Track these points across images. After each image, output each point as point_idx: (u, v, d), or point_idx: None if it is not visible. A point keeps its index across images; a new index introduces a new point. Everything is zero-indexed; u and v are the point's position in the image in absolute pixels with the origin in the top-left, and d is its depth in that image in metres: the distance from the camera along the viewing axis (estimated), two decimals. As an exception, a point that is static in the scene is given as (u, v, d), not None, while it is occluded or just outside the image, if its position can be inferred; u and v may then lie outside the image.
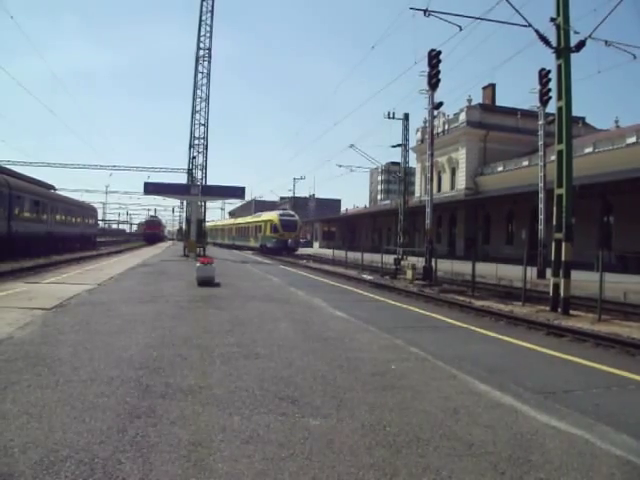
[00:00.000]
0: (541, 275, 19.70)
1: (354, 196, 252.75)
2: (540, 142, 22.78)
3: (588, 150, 32.84)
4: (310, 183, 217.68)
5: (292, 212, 52.44)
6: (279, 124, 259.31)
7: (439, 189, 48.12)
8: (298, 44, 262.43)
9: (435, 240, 29.01)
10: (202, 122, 31.67)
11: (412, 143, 46.89)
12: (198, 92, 31.47)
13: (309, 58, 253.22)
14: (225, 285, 14.55)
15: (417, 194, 53.92)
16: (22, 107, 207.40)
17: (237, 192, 34.60)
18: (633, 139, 30.09)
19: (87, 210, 45.97)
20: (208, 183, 32.41)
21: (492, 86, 51.76)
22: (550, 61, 13.43)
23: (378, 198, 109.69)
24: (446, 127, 49.26)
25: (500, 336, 8.52)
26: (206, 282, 14.26)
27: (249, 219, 59.07)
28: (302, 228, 52.65)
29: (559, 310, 11.77)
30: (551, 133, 14.24)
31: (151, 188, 33.42)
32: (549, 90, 20.54)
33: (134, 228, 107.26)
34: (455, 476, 3.04)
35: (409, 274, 20.37)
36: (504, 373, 5.86)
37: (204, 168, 32.16)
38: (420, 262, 21.32)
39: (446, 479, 3.01)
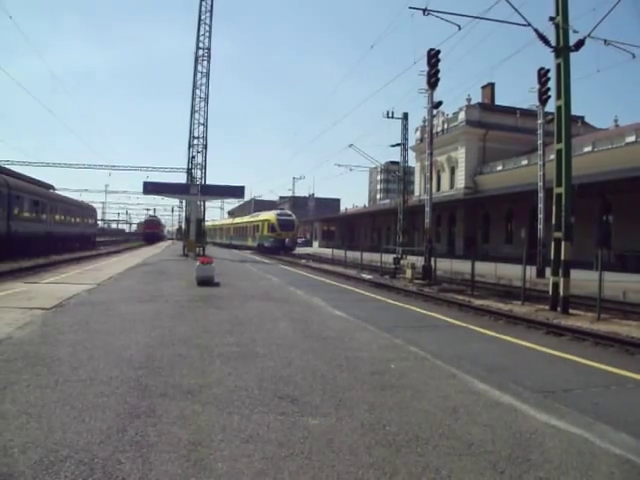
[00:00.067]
0: (540, 274, 19.72)
1: (353, 195, 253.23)
2: (539, 141, 22.78)
3: (587, 149, 32.85)
4: (309, 182, 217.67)
5: (289, 212, 52.85)
6: (278, 124, 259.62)
7: (438, 188, 48.13)
8: (297, 44, 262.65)
9: (434, 239, 29.03)
10: (201, 122, 31.69)
11: (411, 142, 47.03)
12: (197, 92, 31.49)
13: (308, 58, 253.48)
14: (224, 285, 14.55)
15: (416, 193, 53.96)
16: (21, 107, 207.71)
17: (236, 192, 34.58)
18: (632, 138, 30.10)
19: (86, 210, 45.95)
20: (207, 183, 32.44)
21: (491, 85, 51.78)
22: (549, 60, 13.47)
23: (377, 197, 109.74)
24: (445, 126, 49.26)
25: (499, 335, 8.53)
26: (205, 282, 14.26)
27: (247, 219, 59.31)
28: (299, 228, 52.99)
29: (558, 309, 11.78)
30: (550, 132, 14.24)
31: (150, 188, 33.42)
32: (548, 89, 20.53)
33: (133, 228, 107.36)
34: (454, 475, 3.05)
35: (408, 273, 20.38)
36: (503, 372, 5.87)
37: (203, 168, 32.20)
38: (419, 261, 21.32)
39: (446, 478, 3.01)
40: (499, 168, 43.12)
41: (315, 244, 73.63)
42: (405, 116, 34.28)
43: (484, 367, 5.96)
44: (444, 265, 21.61)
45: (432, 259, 19.93)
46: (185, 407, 4.07)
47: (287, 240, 44.64)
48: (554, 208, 12.44)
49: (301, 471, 3.02)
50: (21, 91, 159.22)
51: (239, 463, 3.09)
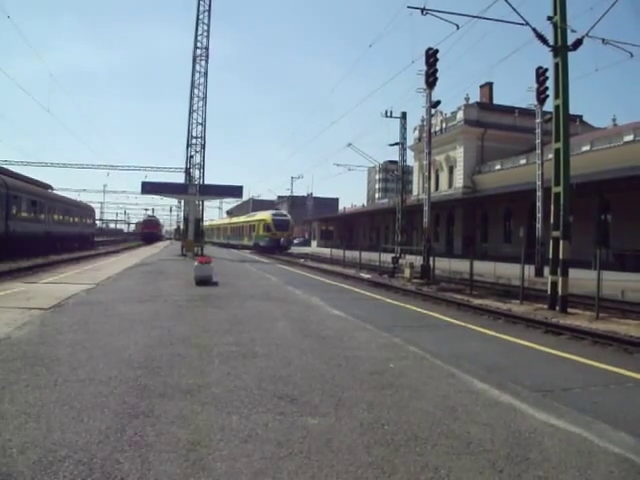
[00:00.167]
0: (539, 273, 19.74)
1: (352, 195, 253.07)
2: (537, 140, 22.81)
3: (585, 148, 32.88)
4: (308, 182, 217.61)
5: (284, 212, 54.03)
6: (277, 123, 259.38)
7: (437, 188, 48.17)
8: (295, 43, 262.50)
9: (433, 239, 29.08)
10: (200, 121, 31.63)
11: (410, 142, 47.02)
12: (196, 91, 31.42)
13: (306, 57, 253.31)
14: (223, 284, 14.55)
15: (415, 193, 53.99)
16: (20, 107, 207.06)
17: (235, 191, 34.55)
18: (630, 137, 30.13)
19: (85, 210, 45.89)
20: (206, 182, 32.40)
21: (489, 84, 51.82)
22: (547, 59, 13.47)
23: (376, 197, 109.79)
24: (444, 126, 49.29)
25: (498, 334, 8.53)
26: (204, 281, 14.25)
27: (243, 219, 60.08)
28: (294, 227, 53.78)
29: (557, 308, 11.79)
30: (548, 131, 14.26)
31: (149, 187, 33.38)
32: (546, 88, 20.55)
33: (132, 228, 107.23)
34: (453, 474, 3.05)
35: (407, 273, 20.39)
36: (502, 371, 5.88)
37: (202, 167, 32.13)
38: (418, 261, 21.32)
39: (445, 477, 3.01)
40: (497, 167, 43.15)
41: (314, 244, 73.61)
42: (403, 115, 34.32)
43: (483, 366, 5.97)
44: (443, 264, 21.62)
45: (430, 258, 19.95)
46: (184, 407, 4.07)
47: (282, 240, 45.54)
48: (552, 207, 12.46)
49: (300, 471, 3.02)
50: (20, 91, 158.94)
51: (238, 463, 3.09)
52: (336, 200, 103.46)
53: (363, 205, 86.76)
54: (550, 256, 12.44)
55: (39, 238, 28.83)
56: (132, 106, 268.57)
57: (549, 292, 12.36)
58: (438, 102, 21.22)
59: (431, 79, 19.98)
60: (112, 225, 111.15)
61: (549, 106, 15.65)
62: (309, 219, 79.77)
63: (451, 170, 48.42)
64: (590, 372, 6.17)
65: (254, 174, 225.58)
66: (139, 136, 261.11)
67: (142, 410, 3.95)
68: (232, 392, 4.50)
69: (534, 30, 12.64)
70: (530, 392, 4.93)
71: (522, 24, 13.01)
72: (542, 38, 12.53)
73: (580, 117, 48.08)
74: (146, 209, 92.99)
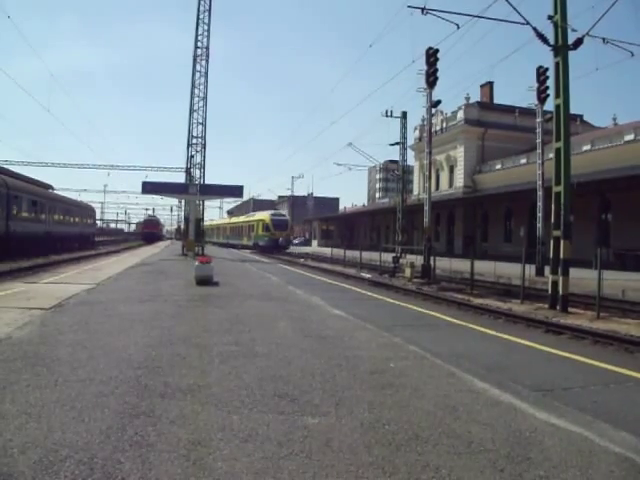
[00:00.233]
0: (540, 273, 19.73)
1: (352, 194, 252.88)
2: (538, 140, 22.80)
3: (586, 148, 32.86)
4: (308, 182, 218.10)
5: (283, 212, 55.71)
6: (277, 123, 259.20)
7: (437, 187, 48.16)
8: (295, 43, 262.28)
9: (433, 238, 29.07)
10: (200, 121, 31.65)
11: (410, 141, 47.04)
12: (196, 91, 31.44)
13: (307, 57, 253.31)
14: (223, 284, 14.55)
15: (415, 192, 53.97)
16: (20, 107, 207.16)
17: (235, 191, 34.56)
18: (631, 136, 30.11)
19: (85, 210, 45.90)
20: (206, 182, 32.43)
21: (490, 84, 51.80)
22: (548, 59, 13.47)
23: (376, 196, 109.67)
24: (444, 125, 49.27)
25: (499, 334, 8.54)
26: (204, 281, 14.25)
27: (243, 219, 60.76)
28: (293, 227, 54.43)
29: (558, 307, 11.79)
30: (549, 131, 14.25)
31: (149, 187, 33.38)
32: (547, 88, 20.54)
33: (132, 227, 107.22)
34: (454, 474, 3.04)
35: (407, 272, 20.39)
36: (503, 371, 5.88)
37: (202, 167, 32.15)
38: (419, 260, 21.33)
39: (445, 477, 3.01)
40: (498, 167, 43.13)
41: (314, 243, 73.60)
42: (404, 115, 34.28)
43: (483, 366, 5.97)
44: (443, 264, 21.62)
45: (431, 258, 19.94)
46: (184, 407, 4.07)
47: (281, 239, 46.30)
48: (553, 207, 12.45)
49: (301, 470, 3.02)
50: (20, 91, 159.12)
51: (239, 463, 3.09)
52: (336, 200, 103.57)
53: (364, 205, 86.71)
54: (551, 255, 12.44)
55: (39, 238, 28.84)
56: (132, 106, 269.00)
57: (550, 291, 12.36)
58: (438, 102, 21.22)
59: (431, 79, 19.98)
60: (113, 225, 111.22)
61: (550, 105, 15.66)
62: (309, 219, 79.78)
63: (452, 170, 48.40)
64: (590, 371, 6.17)
65: (254, 174, 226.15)
66: (139, 136, 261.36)
67: (143, 410, 3.95)
68: (232, 392, 4.50)
69: (534, 29, 12.64)
70: (530, 391, 4.93)
71: (522, 23, 13.01)
72: (542, 37, 12.53)
73: (581, 116, 48.07)
74: (147, 209, 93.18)
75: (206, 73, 31.30)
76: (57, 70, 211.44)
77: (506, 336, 8.33)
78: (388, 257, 25.34)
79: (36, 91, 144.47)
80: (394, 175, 44.64)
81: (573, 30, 12.47)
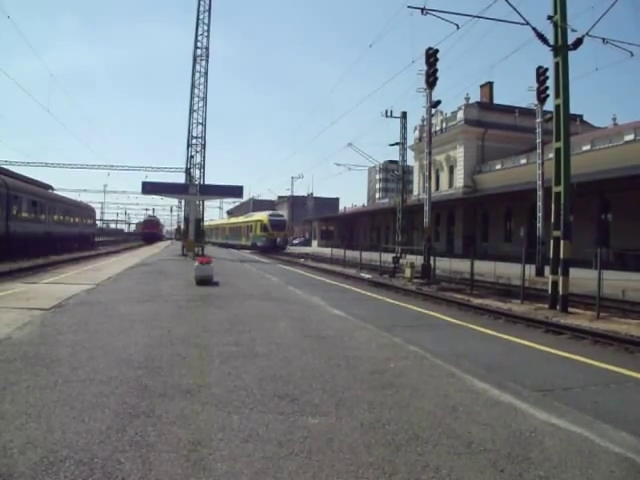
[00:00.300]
0: (539, 273, 19.73)
1: (352, 195, 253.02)
2: (538, 140, 22.79)
3: (586, 148, 32.87)
4: (308, 182, 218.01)
5: (281, 213, 56.83)
6: (277, 123, 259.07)
7: (437, 187, 48.16)
8: (295, 43, 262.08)
9: (433, 238, 29.07)
10: (200, 121, 31.66)
11: (410, 141, 47.01)
12: (196, 91, 31.46)
13: (306, 57, 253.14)
14: (223, 284, 14.55)
15: (415, 192, 53.97)
16: (20, 107, 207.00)
17: (235, 191, 34.59)
18: (631, 136, 30.12)
19: (85, 210, 45.90)
20: (206, 182, 32.44)
21: (490, 84, 51.78)
22: (548, 59, 13.47)
23: (376, 196, 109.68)
24: (444, 125, 49.27)
25: (499, 334, 8.54)
26: (204, 281, 14.25)
27: (241, 219, 61.48)
28: (292, 228, 55.07)
29: (558, 308, 11.79)
30: (549, 131, 14.26)
31: (149, 188, 33.40)
32: (547, 88, 20.53)
33: (132, 228, 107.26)
34: (454, 474, 3.04)
35: (407, 272, 20.39)
36: (503, 371, 5.88)
37: (202, 167, 32.16)
38: (418, 260, 21.33)
39: (445, 477, 3.01)
40: (498, 167, 43.14)
41: (314, 243, 73.58)
42: (404, 115, 34.32)
43: (483, 366, 5.97)
44: (443, 264, 21.62)
45: (431, 258, 19.94)
46: (184, 407, 4.07)
47: (278, 239, 47.26)
48: (553, 207, 12.46)
49: (301, 470, 3.02)
50: (20, 91, 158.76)
51: (239, 463, 3.09)
52: (336, 200, 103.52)
53: (363, 205, 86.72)
54: (551, 256, 12.44)
55: (39, 238, 28.83)
56: (132, 106, 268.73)
57: (550, 292, 12.36)
58: (438, 102, 21.21)
59: (431, 79, 19.98)
60: (112, 225, 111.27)
61: (549, 105, 15.67)
62: (309, 219, 79.75)
63: (451, 170, 48.40)
64: (591, 371, 6.17)
65: (254, 174, 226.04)
66: (139, 136, 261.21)
67: (143, 410, 3.95)
68: (232, 392, 4.50)
69: (534, 30, 12.65)
70: (531, 391, 4.93)
71: (522, 24, 13.02)
72: (542, 37, 12.54)
73: (580, 116, 48.08)
74: (146, 209, 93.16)
75: (206, 73, 31.36)
76: (57, 70, 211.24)
77: (506, 336, 8.33)
78: (388, 257, 25.33)
79: (36, 91, 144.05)
80: (394, 175, 44.69)
81: (573, 30, 12.50)
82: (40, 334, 6.77)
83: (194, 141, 31.72)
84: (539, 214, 22.24)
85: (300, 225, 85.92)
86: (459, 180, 46.59)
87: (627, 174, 24.24)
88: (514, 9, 12.93)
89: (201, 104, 31.46)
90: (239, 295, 12.21)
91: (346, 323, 8.73)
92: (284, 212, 69.37)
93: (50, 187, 37.64)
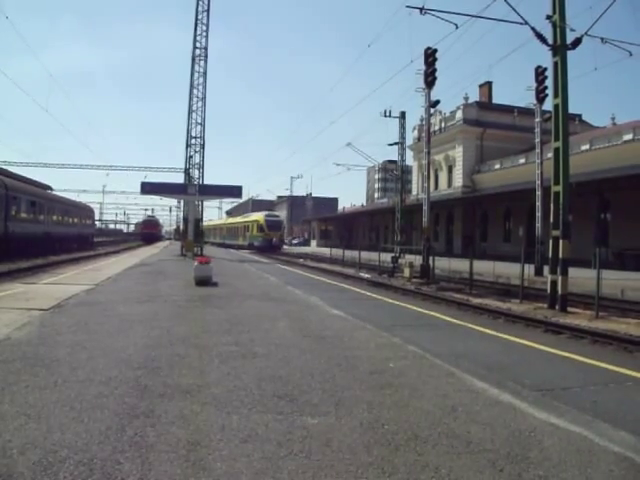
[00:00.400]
0: (539, 272, 19.75)
1: (351, 195, 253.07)
2: (537, 139, 22.81)
3: (585, 147, 32.91)
4: (307, 182, 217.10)
5: (277, 213, 57.72)
6: (276, 123, 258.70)
7: (436, 187, 48.20)
8: (294, 43, 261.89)
9: (432, 238, 29.07)
10: (199, 121, 31.64)
11: (409, 141, 47.00)
12: (195, 91, 31.43)
13: (305, 57, 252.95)
14: (222, 284, 14.54)
15: (414, 192, 54.00)
16: (19, 108, 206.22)
17: (234, 191, 34.58)
18: (630, 136, 30.16)
19: (84, 210, 45.87)
20: (205, 182, 32.41)
21: (489, 84, 51.80)
22: (546, 58, 13.48)
23: (375, 196, 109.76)
24: (443, 125, 49.31)
25: (498, 333, 8.54)
26: (204, 281, 14.25)
27: (239, 219, 62.08)
28: (291, 228, 55.51)
29: (557, 307, 11.80)
30: (548, 130, 14.27)
31: (148, 188, 33.40)
32: (545, 87, 20.56)
33: (131, 228, 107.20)
34: (454, 474, 3.05)
35: (406, 272, 20.40)
36: (502, 370, 5.88)
37: (201, 167, 32.14)
38: (417, 260, 21.33)
39: (445, 477, 3.01)
40: (497, 167, 43.18)
41: (313, 243, 73.62)
42: (402, 115, 34.29)
43: (483, 365, 5.97)
44: (442, 264, 21.63)
45: (430, 258, 19.95)
46: (184, 407, 4.07)
47: (274, 239, 47.92)
48: (552, 206, 12.47)
49: (300, 470, 3.02)
50: (19, 92, 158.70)
51: (238, 463, 3.09)
52: (335, 200, 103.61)
53: (362, 205, 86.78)
54: (550, 255, 12.45)
55: (38, 239, 28.80)
56: (132, 106, 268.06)
57: (549, 291, 12.37)
58: (437, 101, 21.22)
59: (430, 79, 19.99)
60: (112, 225, 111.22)
61: (548, 105, 15.66)
62: (308, 219, 79.77)
63: (450, 169, 48.44)
64: (590, 371, 6.18)
65: (253, 174, 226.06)
66: (139, 136, 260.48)
67: (142, 410, 3.95)
68: (232, 392, 4.50)
69: (533, 29, 12.66)
70: (530, 391, 4.93)
71: (521, 23, 13.03)
72: (541, 37, 12.55)
73: (579, 116, 48.12)
74: (146, 209, 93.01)
75: (205, 73, 31.33)
76: (56, 70, 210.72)
77: (505, 336, 8.33)
78: (387, 257, 25.35)
79: (35, 91, 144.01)
80: (393, 175, 44.64)
81: (572, 30, 12.51)
82: (39, 334, 6.76)
83: (193, 141, 31.73)
84: (538, 214, 22.25)
85: (299, 225, 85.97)
86: (458, 180, 46.63)
87: (626, 174, 24.27)
88: (513, 9, 12.96)
89: (200, 104, 31.48)
90: (238, 295, 12.21)
91: (345, 323, 8.73)
92: (283, 212, 69.59)
93: (49, 187, 37.63)
